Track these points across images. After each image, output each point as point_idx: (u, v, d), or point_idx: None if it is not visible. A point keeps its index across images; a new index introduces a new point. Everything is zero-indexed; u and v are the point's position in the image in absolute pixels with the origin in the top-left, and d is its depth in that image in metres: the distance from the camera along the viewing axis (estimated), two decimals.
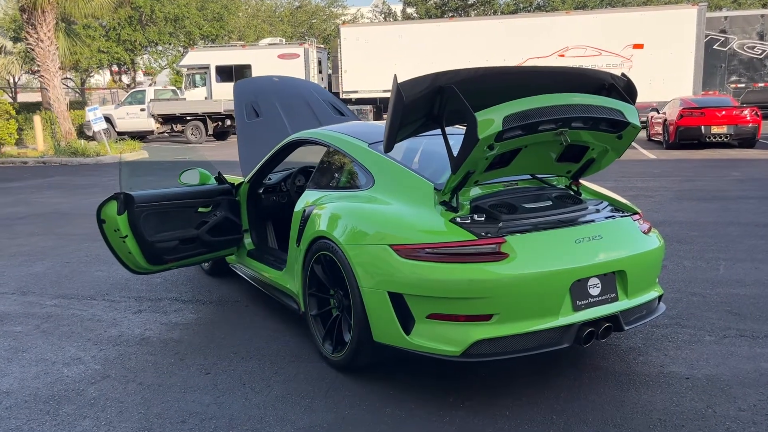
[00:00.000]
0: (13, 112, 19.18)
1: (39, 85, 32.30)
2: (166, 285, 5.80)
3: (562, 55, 24.42)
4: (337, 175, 4.39)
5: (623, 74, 4.00)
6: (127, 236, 4.52)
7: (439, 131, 3.56)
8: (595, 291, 3.48)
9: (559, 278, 3.34)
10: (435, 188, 3.65)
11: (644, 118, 20.80)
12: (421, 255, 3.34)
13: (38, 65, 18.13)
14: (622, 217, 3.81)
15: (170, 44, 31.73)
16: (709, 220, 7.92)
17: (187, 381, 3.81)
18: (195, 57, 26.96)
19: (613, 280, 3.55)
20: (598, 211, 3.87)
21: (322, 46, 30.13)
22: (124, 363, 4.10)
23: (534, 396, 3.51)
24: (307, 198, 4.41)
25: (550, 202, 3.82)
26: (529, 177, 4.06)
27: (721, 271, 5.73)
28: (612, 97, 3.80)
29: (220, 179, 5.31)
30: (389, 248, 3.43)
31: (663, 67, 23.57)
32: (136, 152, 18.69)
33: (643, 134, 20.08)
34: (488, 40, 24.57)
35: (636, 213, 3.93)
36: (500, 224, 3.50)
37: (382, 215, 3.70)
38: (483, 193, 3.82)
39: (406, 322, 3.44)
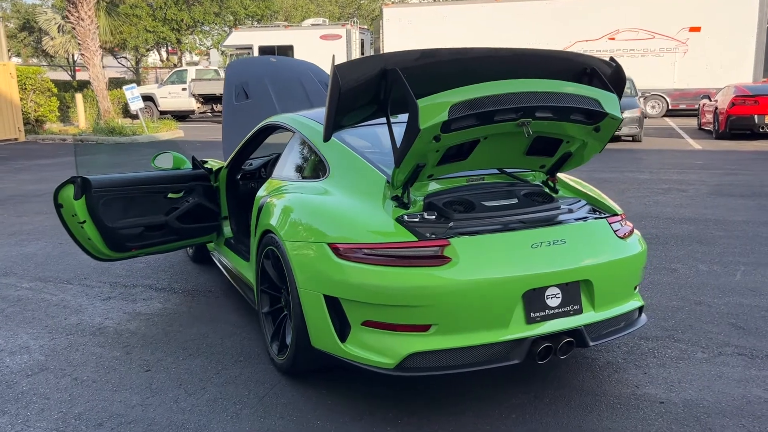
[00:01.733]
0: (55, 90, 19.55)
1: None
2: (147, 271, 5.65)
3: (612, 39, 23.41)
4: (297, 163, 4.11)
5: (612, 59, 3.57)
6: (85, 222, 4.35)
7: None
8: (553, 302, 3.10)
9: (508, 287, 2.98)
10: (388, 181, 3.33)
11: (696, 106, 19.79)
12: (358, 256, 3.03)
13: (79, 43, 18.37)
14: (596, 218, 3.41)
15: (215, 24, 31.88)
16: (740, 219, 7.31)
17: (123, 378, 3.62)
18: (238, 37, 26.99)
19: (577, 290, 3.17)
20: (571, 211, 3.47)
21: (365, 27, 29.75)
22: (68, 355, 3.94)
23: (482, 414, 3.17)
24: (267, 186, 4.15)
25: (515, 200, 3.45)
26: (497, 171, 3.68)
27: (737, 278, 5.21)
28: (593, 84, 3.39)
29: (195, 164, 5.09)
30: (327, 247, 3.14)
31: (721, 52, 22.31)
32: (172, 131, 18.81)
33: (693, 123, 19.10)
34: (534, 22, 23.73)
35: (615, 214, 3.52)
36: (450, 224, 3.16)
37: (325, 210, 3.40)
38: (442, 188, 3.47)
39: (343, 328, 3.14)
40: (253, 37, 26.73)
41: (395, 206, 3.27)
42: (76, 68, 37.03)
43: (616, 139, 15.38)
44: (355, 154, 3.62)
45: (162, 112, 24.11)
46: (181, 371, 3.69)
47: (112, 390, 3.48)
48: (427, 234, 3.06)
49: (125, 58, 37.45)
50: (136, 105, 17.59)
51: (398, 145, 3.04)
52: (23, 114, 18.02)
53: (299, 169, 4.03)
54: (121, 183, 4.52)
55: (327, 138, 3.21)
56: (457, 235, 3.06)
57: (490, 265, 2.99)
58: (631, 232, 3.52)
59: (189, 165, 5.12)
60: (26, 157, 14.52)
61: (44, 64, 37.40)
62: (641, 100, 16.70)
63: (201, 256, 5.80)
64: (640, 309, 3.55)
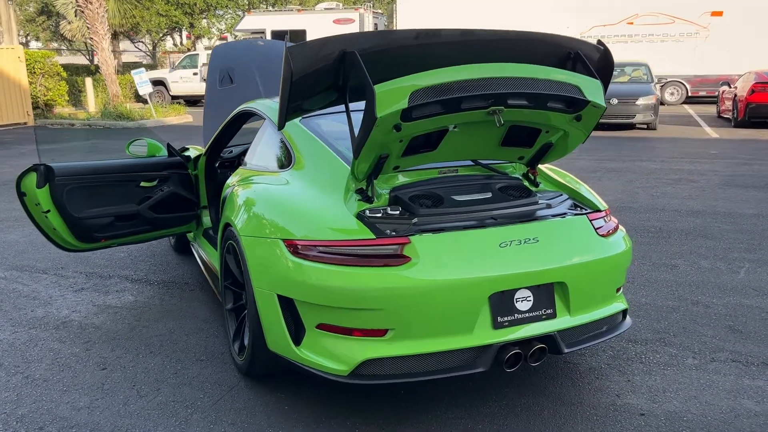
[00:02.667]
0: (64, 74, 19.49)
1: (113, 48, 33.07)
2: (126, 261, 5.49)
3: (631, 23, 22.81)
4: (265, 151, 3.89)
5: (599, 42, 3.30)
6: (49, 211, 4.17)
7: None
8: (524, 305, 2.87)
9: (472, 289, 2.75)
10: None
11: (716, 93, 19.23)
12: (313, 254, 2.81)
13: (88, 27, 18.26)
14: (575, 215, 3.16)
15: (229, 8, 31.66)
16: (750, 212, 6.98)
17: (76, 377, 3.45)
18: (251, 22, 26.74)
19: (551, 293, 2.93)
20: (549, 206, 3.22)
21: (379, 11, 29.36)
22: (26, 350, 3.79)
23: (448, 423, 2.95)
24: (236, 176, 3.94)
25: (489, 194, 3.21)
26: (471, 163, 3.43)
27: (740, 276, 4.93)
28: (577, 69, 3.13)
29: (170, 151, 4.90)
30: (282, 244, 2.92)
31: (744, 38, 21.63)
32: (181, 116, 18.69)
33: (713, 110, 18.57)
34: (549, 6, 23.20)
35: (598, 210, 3.26)
36: (414, 220, 2.93)
37: (283, 203, 3.18)
38: (411, 180, 3.24)
39: (297, 331, 2.94)
40: (266, 22, 26.46)
41: (359, 200, 3.06)
42: (94, 52, 37.07)
43: (630, 127, 14.98)
44: (320, 142, 3.40)
45: (173, 97, 24.00)
46: (138, 370, 3.51)
47: (62, 390, 3.31)
48: (388, 231, 2.83)
49: (142, 42, 37.40)
50: (144, 89, 17.47)
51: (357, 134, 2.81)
52: (32, 98, 17.98)
53: (266, 158, 3.81)
54: (88, 171, 4.34)
55: (281, 126, 2.99)
56: (420, 232, 2.83)
57: (452, 266, 2.76)
58: (615, 229, 3.26)
59: (165, 152, 4.93)
60: (32, 141, 14.47)
61: (63, 48, 37.51)
62: (657, 86, 16.21)
63: (183, 245, 5.63)
64: (624, 312, 3.30)
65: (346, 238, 2.79)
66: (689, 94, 22.01)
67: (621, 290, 3.31)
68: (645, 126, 14.98)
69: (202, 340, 3.88)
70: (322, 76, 2.87)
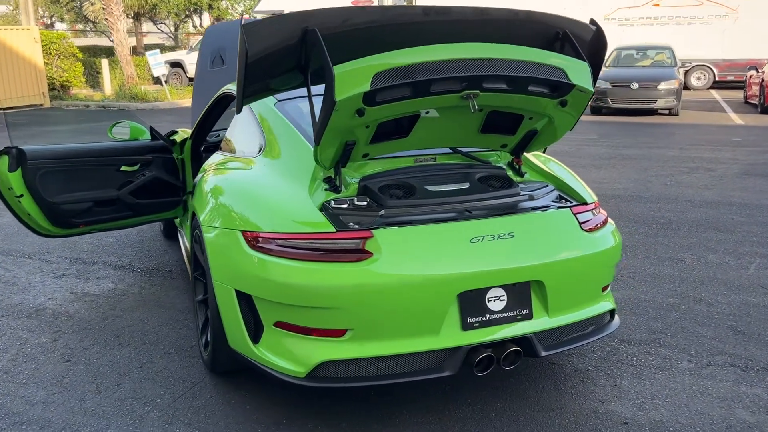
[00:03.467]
0: (80, 55, 19.49)
1: (135, 29, 33.11)
2: (114, 246, 5.38)
3: (657, 5, 22.16)
4: (238, 136, 3.71)
5: (592, 20, 3.06)
6: (22, 195, 4.04)
7: None
8: (497, 305, 2.66)
9: (439, 287, 2.55)
10: None
11: (744, 78, 18.60)
12: (271, 248, 2.63)
13: (103, 8, 18.20)
14: (558, 208, 2.93)
15: None
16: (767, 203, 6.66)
17: (38, 370, 3.33)
18: (269, 3, 26.53)
19: (526, 292, 2.72)
20: (532, 198, 3.00)
21: None
22: None
23: (416, 426, 2.77)
24: (210, 161, 3.77)
25: (467, 185, 3.00)
26: (450, 151, 3.22)
27: (750, 271, 4.65)
28: (564, 51, 2.90)
29: (153, 134, 4.74)
30: (240, 235, 2.75)
31: None
32: None
33: (740, 96, 17.98)
34: None
35: (584, 203, 3.03)
36: (382, 212, 2.73)
37: (246, 192, 3.01)
38: (383, 169, 3.04)
39: (256, 328, 2.77)
40: (284, 3, 26.19)
41: (325, 189, 2.87)
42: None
43: (651, 112, 14.53)
44: (292, 128, 3.21)
45: (191, 79, 23.90)
46: (102, 363, 3.38)
47: (21, 383, 3.19)
48: (351, 224, 2.64)
49: (164, 24, 37.35)
50: (158, 71, 17.39)
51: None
52: (48, 79, 18.01)
53: (239, 143, 3.63)
54: (63, 154, 4.19)
55: (238, 110, 2.80)
56: (386, 225, 2.63)
57: (417, 262, 2.56)
58: (604, 223, 3.03)
59: (148, 136, 4.77)
60: (43, 123, 14.48)
61: (88, 29, 37.61)
62: (681, 71, 15.69)
63: (173, 231, 5.50)
64: (612, 312, 3.08)
65: (306, 231, 2.60)
66: (716, 79, 21.34)
67: (609, 288, 3.08)
68: (667, 112, 14.52)
69: (174, 332, 3.73)
70: (282, 57, 2.67)
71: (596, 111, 14.83)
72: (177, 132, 5.21)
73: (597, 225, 2.97)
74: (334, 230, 2.58)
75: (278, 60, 2.67)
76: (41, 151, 4.10)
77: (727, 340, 3.57)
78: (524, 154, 3.27)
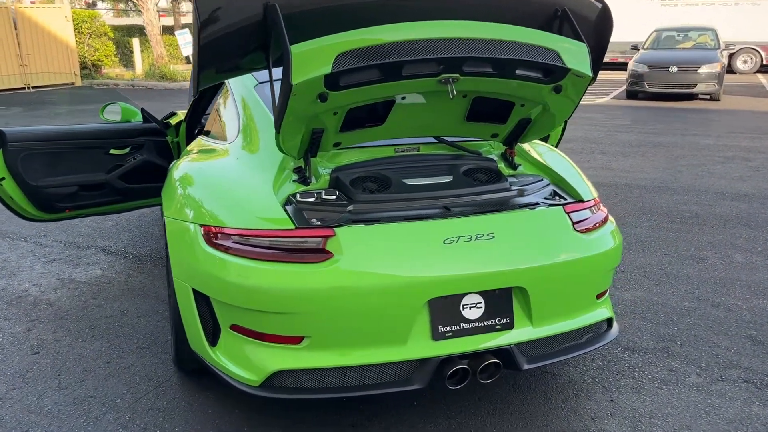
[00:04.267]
0: (111, 34, 19.55)
1: (173, 9, 33.16)
2: (111, 230, 5.25)
3: None
4: (217, 120, 3.49)
5: None
6: (4, 179, 3.91)
7: None
8: (472, 313, 2.41)
9: (405, 293, 2.31)
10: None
11: None
12: (227, 245, 2.41)
13: None
14: (550, 206, 2.65)
15: None
16: None
17: (4, 362, 3.20)
18: None
19: (507, 299, 2.46)
20: (522, 194, 2.72)
21: None
22: None
23: None
24: (191, 146, 3.58)
25: (450, 178, 2.73)
26: (434, 141, 2.95)
27: None
28: (563, 31, 2.60)
29: (145, 116, 4.56)
30: (199, 229, 2.54)
31: None
32: None
33: None
34: None
35: (579, 201, 2.74)
36: (350, 207, 2.49)
37: (210, 182, 2.79)
38: (360, 159, 2.79)
39: (214, 330, 2.56)
40: None
41: (294, 181, 2.64)
42: (161, 13, 37.33)
43: (691, 97, 13.90)
44: (267, 112, 2.98)
45: None
46: (70, 357, 3.23)
47: None
48: (313, 220, 2.40)
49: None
50: (187, 50, 17.29)
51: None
52: (80, 58, 18.11)
53: (217, 128, 3.42)
54: (47, 136, 4.04)
55: (194, 93, 2.58)
56: (352, 222, 2.39)
57: (382, 264, 2.31)
58: (603, 222, 2.74)
59: (140, 118, 4.60)
60: (71, 102, 14.56)
61: (130, 9, 37.87)
62: (725, 53, 14.95)
63: None
64: (609, 321, 2.80)
65: (263, 228, 2.37)
66: (764, 62, 20.38)
67: (606, 294, 2.80)
68: (707, 97, 13.88)
69: (151, 325, 3.57)
70: (242, 35, 2.43)
71: (632, 95, 14.26)
72: (176, 114, 5.03)
73: (594, 225, 2.68)
74: (293, 228, 2.35)
75: (238, 39, 2.44)
76: (23, 132, 3.96)
77: (743, 352, 3.25)
78: (519, 144, 2.98)
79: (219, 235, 2.44)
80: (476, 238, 2.40)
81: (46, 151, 4.05)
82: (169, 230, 2.76)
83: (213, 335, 2.56)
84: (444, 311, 2.37)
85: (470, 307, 2.40)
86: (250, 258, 2.34)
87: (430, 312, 2.36)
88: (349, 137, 2.63)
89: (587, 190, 2.82)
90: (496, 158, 2.97)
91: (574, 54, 2.46)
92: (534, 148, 3.14)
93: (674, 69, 13.45)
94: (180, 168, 3.04)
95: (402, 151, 2.86)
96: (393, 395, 2.84)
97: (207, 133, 3.69)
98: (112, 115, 4.55)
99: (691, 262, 4.48)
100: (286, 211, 2.44)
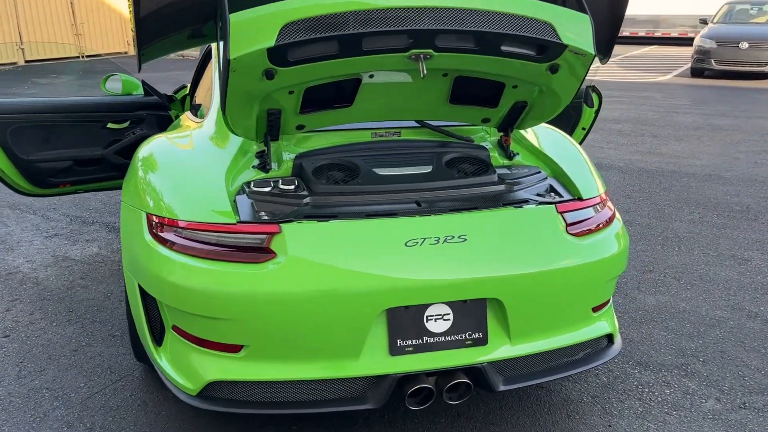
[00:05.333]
0: None
1: None
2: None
3: None
4: (196, 95, 3.25)
5: None
6: None
7: None
8: (438, 326, 2.10)
9: (357, 301, 2.02)
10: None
11: None
12: (167, 237, 2.16)
13: None
14: (540, 204, 2.29)
15: None
16: None
17: None
18: None
19: (481, 311, 2.14)
20: (511, 189, 2.37)
21: None
22: None
23: None
24: (175, 122, 3.36)
25: (429, 169, 2.41)
26: (417, 125, 2.62)
27: None
28: (567, 2, 2.23)
29: (146, 90, 4.37)
30: (144, 218, 2.30)
31: None
32: None
33: None
34: None
35: (578, 198, 2.37)
36: (306, 200, 2.21)
37: (165, 164, 2.54)
38: (331, 144, 2.50)
39: (161, 328, 2.34)
40: None
41: (254, 166, 2.38)
42: None
43: (762, 76, 12.90)
44: None
45: None
46: (39, 342, 3.09)
47: None
48: (262, 214, 2.13)
49: None
50: None
51: None
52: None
53: (195, 101, 3.18)
54: (39, 109, 3.89)
55: (138, 67, 2.32)
56: (304, 218, 2.11)
57: (331, 268, 2.02)
58: (606, 223, 2.37)
59: (142, 91, 4.41)
60: (120, 70, 14.63)
61: None
62: None
63: None
64: (610, 336, 2.44)
65: (205, 221, 2.11)
66: None
67: (606, 306, 2.43)
68: None
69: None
70: (187, 4, 2.16)
71: (697, 73, 13.36)
72: (186, 87, 4.83)
73: (592, 227, 2.31)
74: (234, 222, 2.08)
75: (182, 8, 2.16)
76: (13, 104, 3.81)
77: None
78: (517, 130, 2.63)
79: (160, 225, 2.19)
80: (444, 241, 2.08)
81: (38, 125, 3.89)
82: (122, 216, 2.54)
83: (160, 334, 2.34)
84: (404, 323, 2.07)
85: (435, 319, 2.09)
86: (188, 254, 2.09)
87: (387, 323, 2.06)
88: (313, 119, 2.34)
89: (591, 185, 2.45)
90: (489, 146, 2.62)
91: (574, 28, 2.09)
92: (537, 135, 2.77)
93: (745, 45, 12.51)
94: (144, 147, 2.80)
95: (380, 136, 2.55)
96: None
97: (197, 108, 3.46)
98: (113, 87, 4.38)
99: (732, 264, 4.02)
100: (234, 202, 2.18)
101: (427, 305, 2.08)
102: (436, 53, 2.05)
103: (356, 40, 1.95)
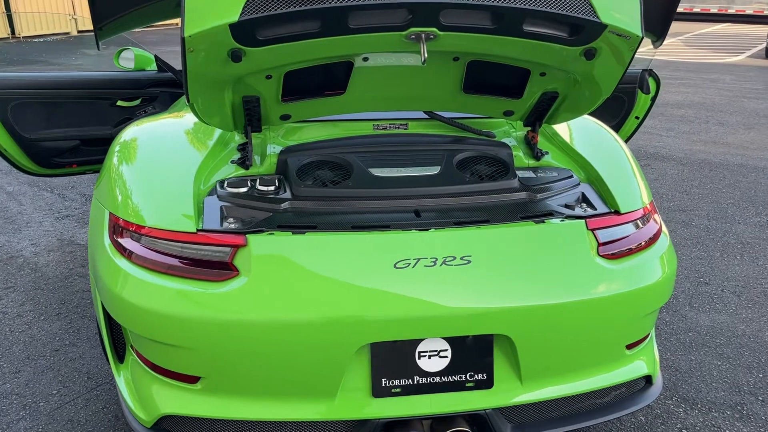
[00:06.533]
0: None
1: None
2: None
3: None
4: None
5: None
6: None
7: None
8: (433, 365, 1.75)
9: (334, 333, 1.67)
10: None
11: None
12: (123, 243, 1.86)
13: None
14: (566, 218, 1.89)
15: None
16: None
17: None
18: None
19: (486, 349, 1.77)
20: (534, 197, 1.98)
21: None
22: None
23: None
24: (176, 105, 3.06)
25: (436, 170, 2.03)
26: (426, 116, 2.24)
27: None
28: None
29: (159, 65, 4.09)
30: (107, 217, 2.00)
31: None
32: None
33: None
34: None
35: (615, 212, 1.95)
36: (284, 205, 1.87)
37: (139, 153, 2.23)
38: (326, 137, 2.15)
39: (124, 344, 2.05)
40: None
41: (233, 161, 2.05)
42: None
43: None
44: None
45: None
46: (21, 339, 2.88)
47: None
48: (230, 220, 1.80)
49: None
50: None
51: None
52: None
53: None
54: (42, 84, 3.65)
55: (96, 44, 2.01)
56: (277, 228, 1.77)
57: (302, 291, 1.68)
58: (650, 242, 1.95)
59: (155, 66, 4.14)
60: (168, 43, 14.56)
61: None
62: None
63: None
64: (648, 378, 2.03)
65: (162, 227, 1.80)
66: None
67: (646, 341, 2.03)
68: None
69: None
70: None
71: None
72: None
73: (636, 246, 1.90)
74: (193, 231, 1.76)
75: None
76: (14, 79, 3.58)
77: None
78: (546, 125, 2.22)
79: (120, 230, 1.89)
80: (443, 263, 1.71)
81: (42, 101, 3.67)
82: (91, 211, 2.26)
83: (123, 349, 2.05)
84: (391, 360, 1.73)
85: (430, 356, 1.74)
86: (145, 268, 1.77)
87: (370, 359, 1.72)
88: (300, 109, 1.99)
89: (633, 195, 2.02)
90: (514, 143, 2.22)
91: (617, 2, 1.66)
92: (572, 129, 2.35)
93: None
94: (126, 131, 2.49)
95: (383, 129, 2.18)
96: None
97: None
98: (127, 61, 4.11)
99: None
100: (201, 204, 1.86)
101: (419, 340, 1.72)
102: (441, 32, 1.66)
103: (341, 15, 1.58)
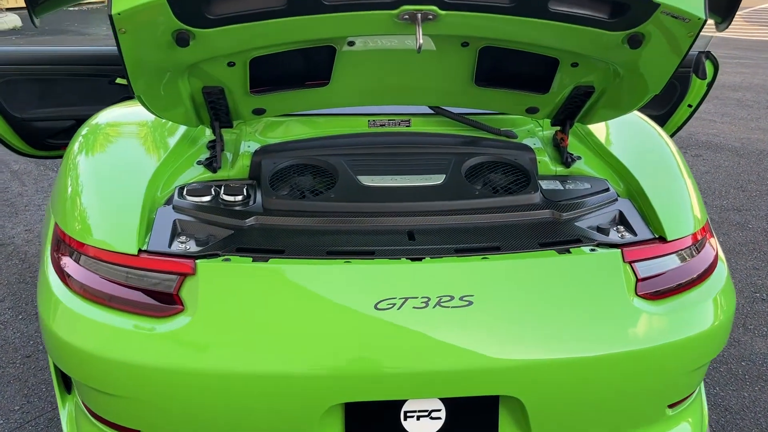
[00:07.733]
0: None
1: None
2: None
3: None
4: None
5: None
6: None
7: None
8: (423, 427, 1.41)
9: (297, 389, 1.35)
10: None
11: None
12: (65, 269, 1.54)
13: None
14: (597, 246, 1.51)
15: None
16: None
17: None
18: None
19: (490, 412, 1.42)
20: (559, 218, 1.60)
21: None
22: None
23: None
24: None
25: (440, 179, 1.67)
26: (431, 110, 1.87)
27: None
28: None
29: None
30: (54, 230, 1.69)
31: None
32: None
33: None
34: None
35: (660, 239, 1.56)
36: (250, 220, 1.54)
37: (98, 151, 1.92)
38: (306, 135, 1.80)
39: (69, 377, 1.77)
40: None
41: (199, 162, 1.73)
42: None
43: None
44: None
45: None
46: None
47: None
48: (182, 239, 1.48)
49: None
50: None
51: None
52: None
53: None
54: (35, 60, 3.39)
55: (32, 21, 1.69)
56: (236, 251, 1.44)
57: (260, 335, 1.36)
58: (703, 277, 1.56)
59: None
60: None
61: None
62: None
63: None
64: None
65: (109, 247, 1.48)
66: None
67: (693, 396, 1.65)
68: None
69: None
70: None
71: None
72: None
73: (685, 283, 1.52)
74: (134, 253, 1.44)
75: None
76: (4, 54, 3.33)
77: None
78: (579, 124, 1.83)
79: (62, 246, 1.59)
80: (438, 304, 1.36)
81: (33, 78, 3.41)
82: (46, 217, 1.96)
83: (67, 382, 1.77)
84: (370, 422, 1.39)
85: (419, 417, 1.40)
86: (82, 297, 1.47)
87: (344, 422, 1.39)
88: (275, 101, 1.65)
89: (686, 216, 1.63)
90: (539, 145, 1.84)
91: None
92: (609, 128, 1.95)
93: None
94: (92, 120, 2.16)
95: (380, 125, 1.82)
96: None
97: None
98: None
99: None
100: (151, 217, 1.54)
101: (404, 401, 1.38)
102: (442, 11, 1.30)
103: None
